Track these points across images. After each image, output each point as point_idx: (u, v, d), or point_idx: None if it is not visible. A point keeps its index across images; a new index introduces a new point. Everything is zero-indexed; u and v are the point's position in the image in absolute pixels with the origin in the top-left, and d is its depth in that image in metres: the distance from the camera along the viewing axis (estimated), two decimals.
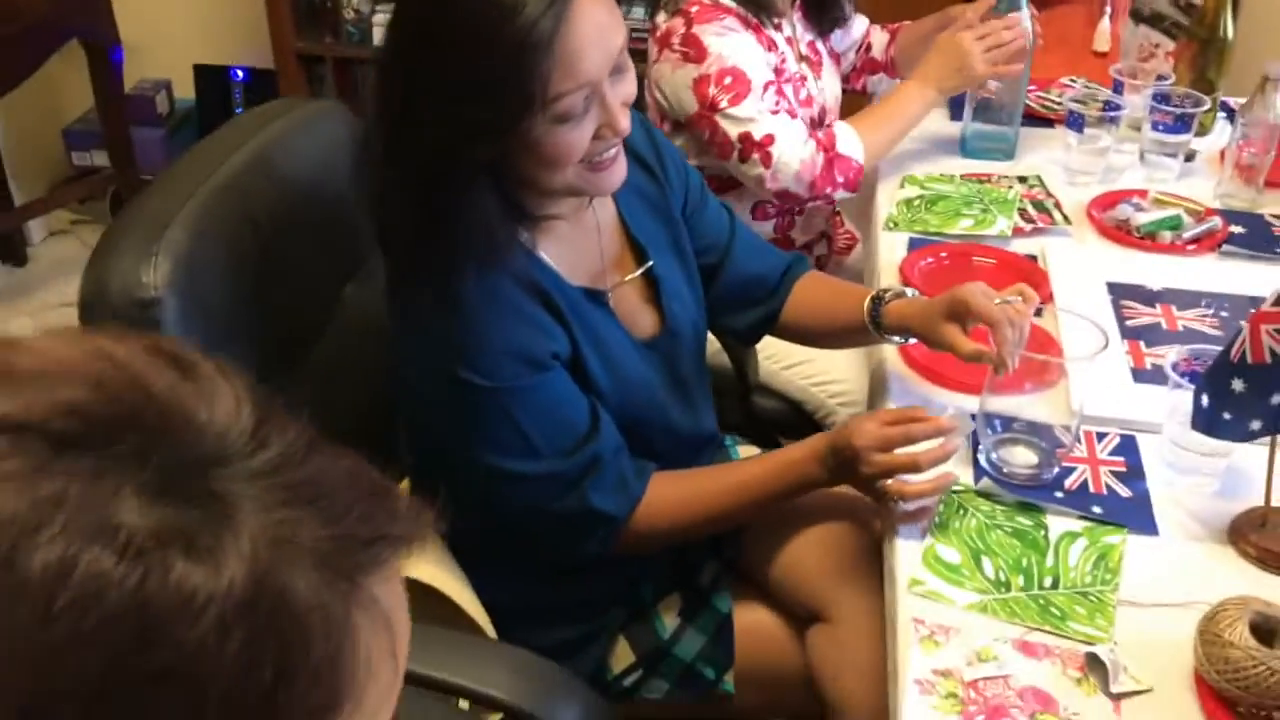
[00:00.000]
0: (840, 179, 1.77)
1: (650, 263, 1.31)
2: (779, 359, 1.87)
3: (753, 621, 1.33)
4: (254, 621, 0.40)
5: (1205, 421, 1.12)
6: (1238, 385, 1.08)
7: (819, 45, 1.97)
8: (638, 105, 1.28)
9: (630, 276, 1.30)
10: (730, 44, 1.72)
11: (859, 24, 2.10)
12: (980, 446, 1.26)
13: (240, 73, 3.29)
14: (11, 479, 0.38)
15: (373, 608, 0.44)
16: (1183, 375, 1.21)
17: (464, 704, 1.22)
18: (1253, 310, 1.08)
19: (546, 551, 1.28)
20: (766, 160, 1.73)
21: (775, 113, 1.75)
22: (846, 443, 1.16)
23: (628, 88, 1.13)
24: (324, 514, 0.43)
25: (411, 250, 1.13)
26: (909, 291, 1.36)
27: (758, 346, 1.84)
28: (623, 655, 1.34)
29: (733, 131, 1.73)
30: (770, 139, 1.73)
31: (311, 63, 3.12)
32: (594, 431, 1.19)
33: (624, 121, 1.11)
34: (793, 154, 1.73)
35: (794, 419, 1.87)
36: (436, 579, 1.27)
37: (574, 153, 1.09)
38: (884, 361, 1.46)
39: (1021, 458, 1.25)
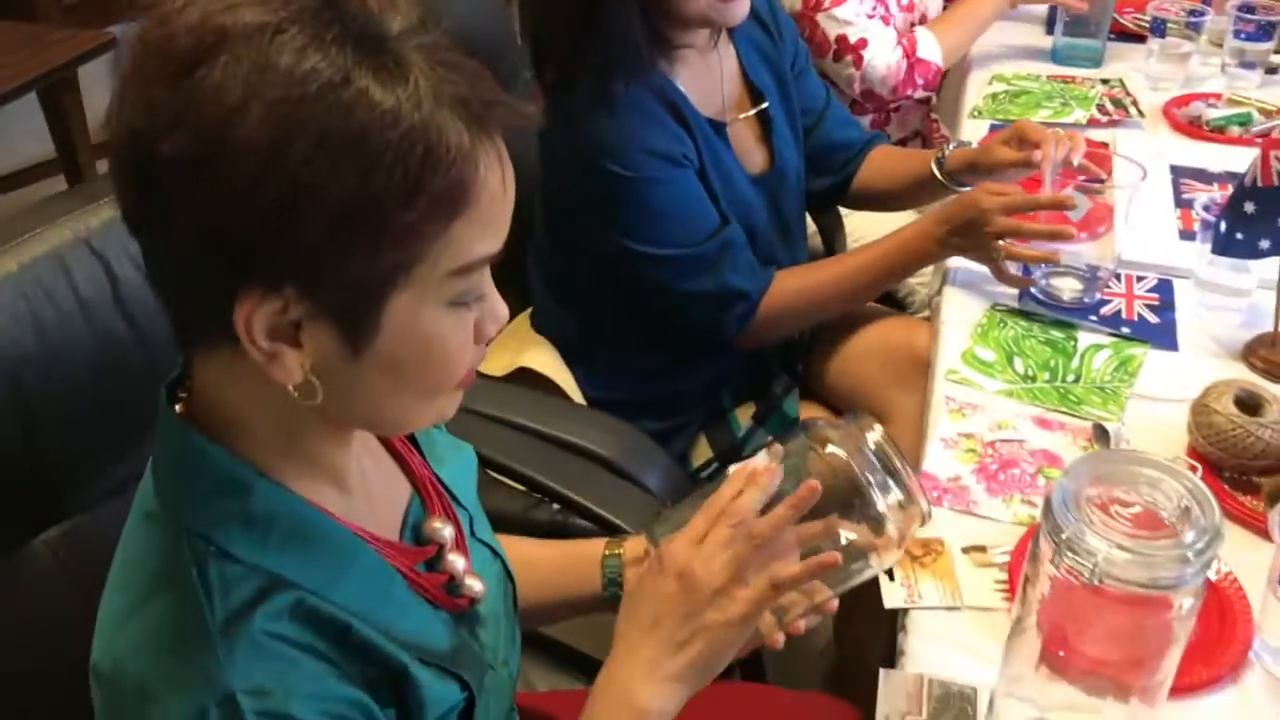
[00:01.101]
0: (920, 80, 1.97)
1: (765, 104, 1.51)
2: (867, 239, 2.04)
3: None
4: (413, 123, 0.62)
5: (1222, 244, 1.27)
6: (1249, 207, 1.23)
7: None
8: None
9: (747, 114, 1.51)
10: None
11: None
12: (1033, 276, 1.43)
13: None
14: (268, 3, 0.61)
15: (489, 147, 0.66)
16: (1213, 216, 1.36)
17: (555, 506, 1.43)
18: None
19: (687, 331, 1.48)
20: (858, 62, 1.93)
21: (871, 17, 1.94)
22: (971, 205, 1.36)
23: None
24: (464, 77, 0.65)
25: (568, 61, 1.35)
26: (971, 144, 1.54)
27: (847, 230, 2.03)
28: (702, 451, 1.56)
29: (832, 32, 1.92)
30: (864, 43, 1.92)
31: None
32: (724, 225, 1.41)
33: None
34: (881, 59, 1.92)
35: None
36: (548, 367, 1.50)
37: None
38: None
39: (1067, 287, 1.42)
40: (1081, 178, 1.42)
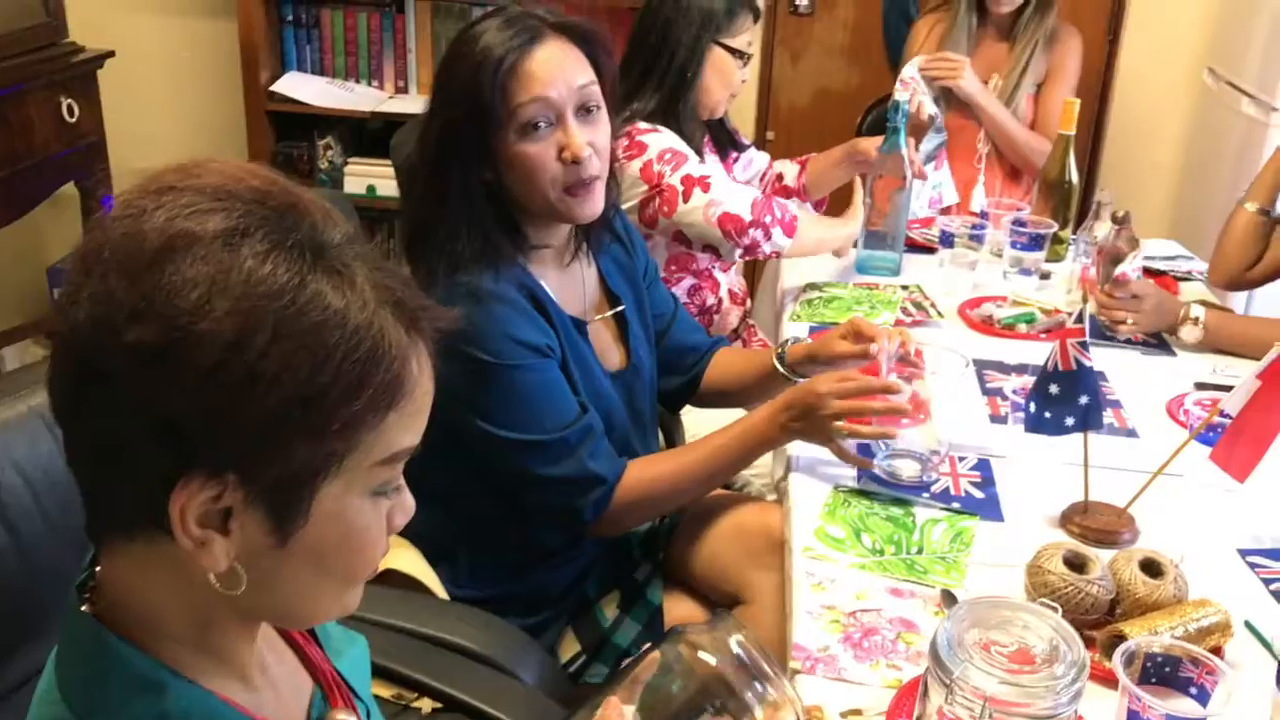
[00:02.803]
0: (779, 214, 2.07)
1: (622, 307, 1.61)
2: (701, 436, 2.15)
3: (681, 610, 1.58)
4: (359, 322, 0.67)
5: (1033, 422, 1.42)
6: (1054, 389, 1.39)
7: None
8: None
9: (605, 315, 1.61)
10: (665, 137, 2.08)
11: (760, 158, 2.49)
12: (875, 460, 1.55)
13: None
14: (229, 211, 0.66)
15: (421, 348, 0.72)
16: (1022, 399, 1.52)
17: (426, 705, 1.42)
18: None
19: (546, 518, 1.52)
20: (706, 188, 2.04)
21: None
22: (809, 392, 1.47)
23: (596, 134, 1.44)
24: (397, 283, 0.71)
25: (439, 254, 1.42)
26: (806, 340, 1.68)
27: (685, 425, 2.13)
28: (570, 645, 1.57)
29: (676, 179, 2.05)
30: (708, 177, 2.06)
31: None
32: (585, 412, 1.47)
33: (581, 150, 1.41)
34: (731, 184, 2.07)
35: None
36: (413, 568, 1.50)
37: (543, 166, 1.40)
38: None
39: (906, 468, 1.54)
40: (909, 370, 1.56)
